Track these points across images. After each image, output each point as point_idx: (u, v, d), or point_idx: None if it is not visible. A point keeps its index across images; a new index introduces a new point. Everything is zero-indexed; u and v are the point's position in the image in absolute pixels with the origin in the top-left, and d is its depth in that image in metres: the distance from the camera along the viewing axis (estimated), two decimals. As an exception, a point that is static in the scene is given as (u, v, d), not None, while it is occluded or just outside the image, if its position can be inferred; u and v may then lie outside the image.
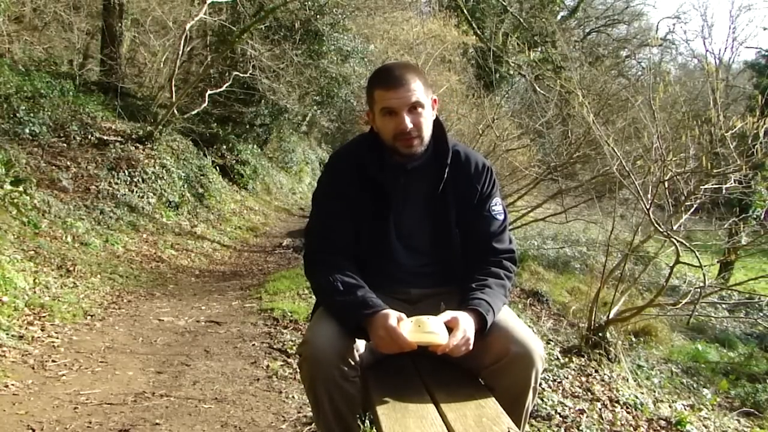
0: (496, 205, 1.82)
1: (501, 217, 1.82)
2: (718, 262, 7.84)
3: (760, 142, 4.19)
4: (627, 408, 3.51)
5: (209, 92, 10.29)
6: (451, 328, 1.55)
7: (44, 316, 4.04)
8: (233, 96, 11.69)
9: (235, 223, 10.28)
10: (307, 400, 2.95)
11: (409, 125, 1.68)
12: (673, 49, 23.55)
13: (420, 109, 1.70)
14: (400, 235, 1.80)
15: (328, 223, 1.78)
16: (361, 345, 1.66)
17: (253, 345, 4.00)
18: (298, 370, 3.43)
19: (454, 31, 14.22)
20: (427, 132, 1.74)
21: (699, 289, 4.60)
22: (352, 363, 1.60)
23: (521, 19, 17.62)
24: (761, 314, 7.68)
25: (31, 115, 7.78)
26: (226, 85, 10.58)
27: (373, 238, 1.78)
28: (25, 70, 8.88)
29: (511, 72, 17.03)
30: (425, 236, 1.81)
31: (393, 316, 1.54)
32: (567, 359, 4.19)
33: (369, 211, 1.77)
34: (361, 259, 1.77)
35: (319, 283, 1.74)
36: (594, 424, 3.07)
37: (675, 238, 4.37)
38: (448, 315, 1.57)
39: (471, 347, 1.57)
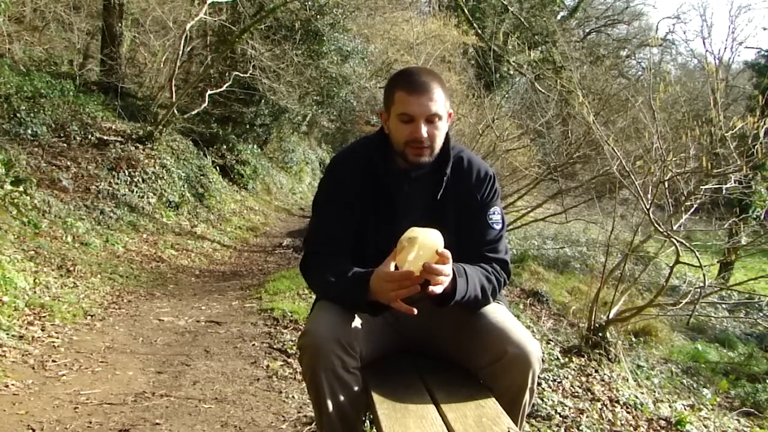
0: (494, 214, 1.80)
1: (498, 227, 1.81)
2: (718, 262, 7.85)
3: (761, 143, 4.19)
4: (627, 408, 3.51)
5: (209, 92, 10.30)
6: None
7: (44, 316, 4.04)
8: (233, 96, 11.69)
9: (235, 223, 10.28)
10: (308, 400, 2.96)
11: (424, 134, 1.67)
12: (673, 49, 23.61)
13: (437, 121, 1.69)
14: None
15: (327, 228, 1.79)
16: (360, 338, 1.66)
17: (253, 345, 4.00)
18: (299, 367, 3.45)
19: (454, 31, 14.23)
20: (438, 144, 1.73)
21: (699, 289, 4.59)
22: (352, 352, 1.60)
23: (522, 18, 17.62)
24: (761, 314, 7.68)
25: (32, 115, 7.78)
26: (226, 85, 10.59)
27: (373, 243, 1.77)
28: (26, 70, 8.88)
29: (512, 72, 17.03)
30: None
31: (383, 268, 1.54)
32: (567, 359, 4.19)
33: (371, 216, 1.76)
34: (362, 264, 1.76)
35: (315, 284, 1.77)
36: (594, 424, 3.08)
37: (675, 238, 4.37)
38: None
39: (440, 287, 1.53)
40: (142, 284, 5.85)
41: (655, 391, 4.27)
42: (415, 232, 1.53)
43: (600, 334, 4.48)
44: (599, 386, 3.76)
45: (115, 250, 6.67)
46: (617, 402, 3.55)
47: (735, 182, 4.56)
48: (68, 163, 7.79)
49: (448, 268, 1.53)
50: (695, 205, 4.68)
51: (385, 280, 1.54)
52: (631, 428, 3.24)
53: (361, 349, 1.65)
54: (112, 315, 4.58)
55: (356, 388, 1.63)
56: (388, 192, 1.77)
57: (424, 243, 1.52)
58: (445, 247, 1.60)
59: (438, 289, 1.53)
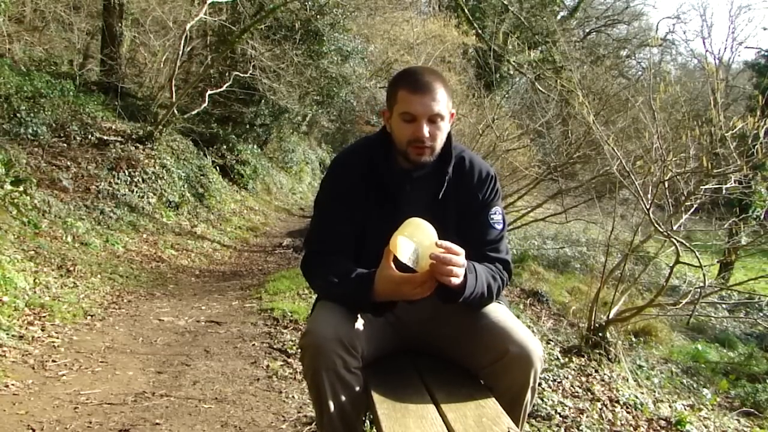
0: (495, 214, 1.81)
1: (499, 227, 1.81)
2: (718, 262, 7.85)
3: (761, 142, 4.19)
4: (627, 408, 3.51)
5: (209, 92, 10.30)
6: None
7: (44, 316, 4.04)
8: (233, 96, 11.69)
9: (235, 223, 10.28)
10: (308, 400, 2.96)
11: (426, 134, 1.67)
12: (673, 49, 23.62)
13: (439, 121, 1.69)
14: None
15: (328, 227, 1.79)
16: (362, 338, 1.66)
17: (253, 345, 4.00)
18: (299, 367, 3.45)
19: (454, 31, 14.22)
20: (440, 144, 1.73)
21: (699, 289, 4.59)
22: (354, 352, 1.60)
23: (522, 18, 17.61)
24: (761, 314, 7.67)
25: (32, 115, 7.78)
26: (226, 85, 10.59)
27: (374, 242, 1.76)
28: (26, 70, 8.88)
29: (512, 72, 17.03)
30: None
31: (386, 271, 1.55)
32: (567, 359, 4.19)
33: (373, 215, 1.76)
34: (362, 263, 1.76)
35: (317, 284, 1.77)
36: (594, 424, 3.07)
37: (675, 238, 4.37)
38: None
39: (458, 278, 1.53)
40: (142, 284, 5.85)
41: (655, 391, 4.27)
42: (401, 231, 1.54)
43: (600, 334, 4.47)
44: (599, 386, 3.76)
45: (115, 250, 6.67)
46: (617, 402, 3.55)
47: (735, 182, 4.55)
48: (68, 163, 7.79)
49: (461, 259, 1.53)
50: (695, 205, 4.67)
51: (399, 283, 1.54)
52: (631, 428, 3.24)
53: (363, 348, 1.65)
54: (112, 315, 4.58)
55: (357, 388, 1.63)
56: (389, 192, 1.77)
57: (422, 241, 1.53)
58: None
59: (456, 281, 1.52)
